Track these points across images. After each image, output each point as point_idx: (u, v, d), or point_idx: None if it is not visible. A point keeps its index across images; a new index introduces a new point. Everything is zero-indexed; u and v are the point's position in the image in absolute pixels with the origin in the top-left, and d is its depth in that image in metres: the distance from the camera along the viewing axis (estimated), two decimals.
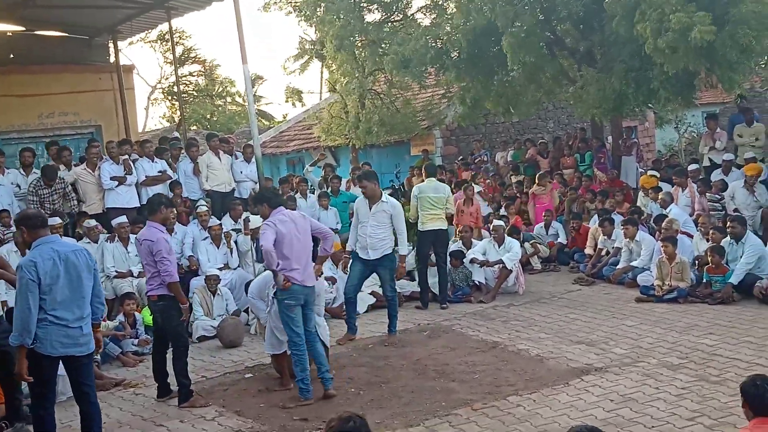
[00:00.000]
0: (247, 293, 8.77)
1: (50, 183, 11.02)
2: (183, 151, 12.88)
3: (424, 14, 17.63)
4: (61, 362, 5.65)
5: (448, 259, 11.01)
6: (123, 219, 10.68)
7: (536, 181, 14.47)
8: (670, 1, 10.84)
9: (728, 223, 10.14)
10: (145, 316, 9.10)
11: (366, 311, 10.34)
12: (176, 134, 16.65)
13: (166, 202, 7.46)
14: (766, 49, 12.71)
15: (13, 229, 9.91)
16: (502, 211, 14.07)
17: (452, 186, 12.98)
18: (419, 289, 10.62)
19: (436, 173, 11.55)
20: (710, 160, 13.54)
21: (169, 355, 7.27)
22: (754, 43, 10.97)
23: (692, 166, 13.38)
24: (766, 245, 9.97)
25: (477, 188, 14.24)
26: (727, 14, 10.97)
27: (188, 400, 7.05)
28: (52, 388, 5.74)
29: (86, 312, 5.65)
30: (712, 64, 11.48)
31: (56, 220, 10.07)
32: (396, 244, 8.93)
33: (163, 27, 18.97)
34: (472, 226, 12.19)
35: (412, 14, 17.72)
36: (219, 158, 12.51)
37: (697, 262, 10.29)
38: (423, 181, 10.95)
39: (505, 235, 11.33)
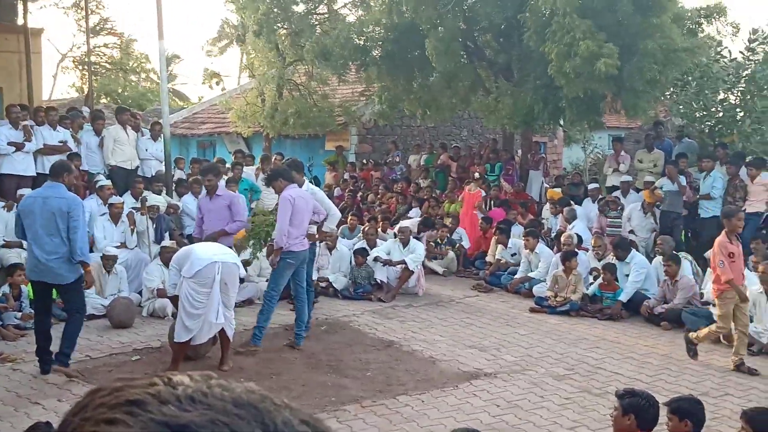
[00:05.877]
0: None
1: None
2: (88, 122, 12.40)
3: (350, 10, 17.60)
4: None
5: (353, 256, 11.04)
6: (27, 190, 10.07)
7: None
8: (580, 27, 11.11)
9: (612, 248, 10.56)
10: (29, 289, 8.67)
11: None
12: (85, 108, 15.99)
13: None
14: (672, 82, 13.28)
15: None
16: (411, 213, 14.17)
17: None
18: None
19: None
20: (611, 181, 14.04)
21: None
22: (659, 76, 11.41)
23: (592, 185, 13.86)
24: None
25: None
26: (635, 45, 11.35)
27: None
28: (39, 307, 7.15)
29: (60, 249, 6.77)
30: (619, 91, 11.86)
31: None
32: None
33: None
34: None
35: (338, 9, 17.64)
36: (127, 134, 12.11)
37: (591, 276, 10.65)
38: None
39: (410, 236, 11.43)
